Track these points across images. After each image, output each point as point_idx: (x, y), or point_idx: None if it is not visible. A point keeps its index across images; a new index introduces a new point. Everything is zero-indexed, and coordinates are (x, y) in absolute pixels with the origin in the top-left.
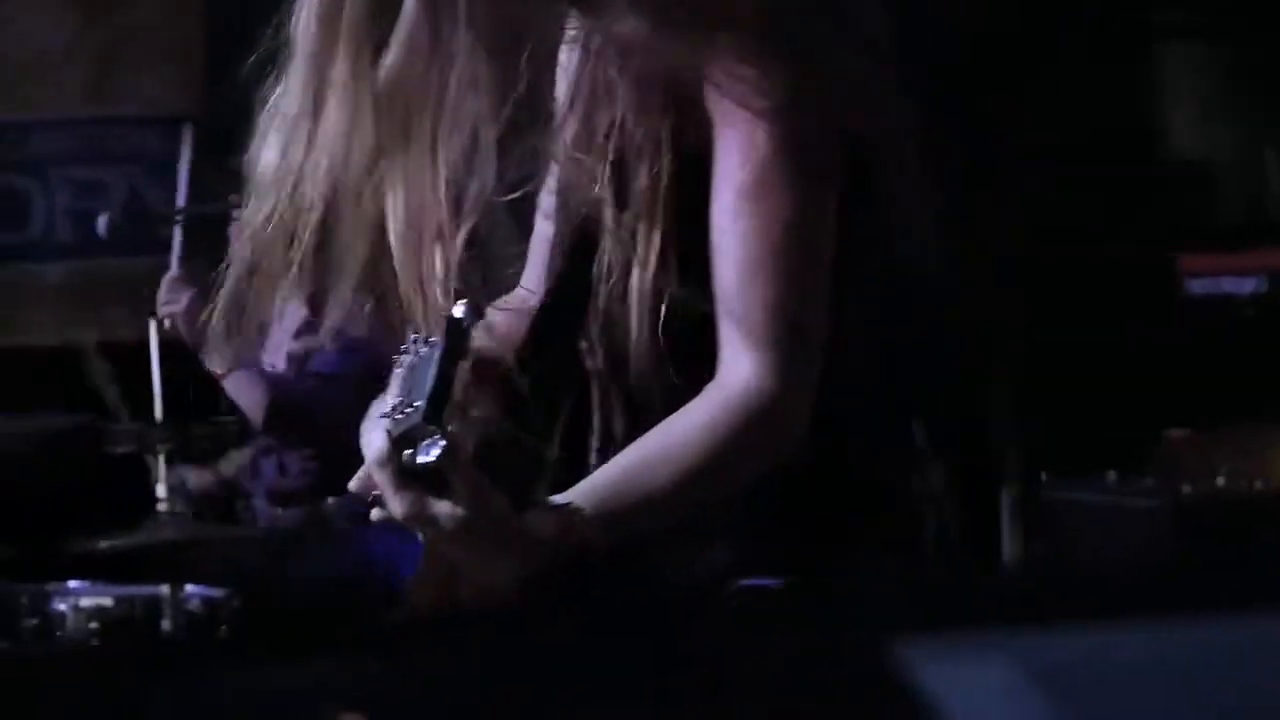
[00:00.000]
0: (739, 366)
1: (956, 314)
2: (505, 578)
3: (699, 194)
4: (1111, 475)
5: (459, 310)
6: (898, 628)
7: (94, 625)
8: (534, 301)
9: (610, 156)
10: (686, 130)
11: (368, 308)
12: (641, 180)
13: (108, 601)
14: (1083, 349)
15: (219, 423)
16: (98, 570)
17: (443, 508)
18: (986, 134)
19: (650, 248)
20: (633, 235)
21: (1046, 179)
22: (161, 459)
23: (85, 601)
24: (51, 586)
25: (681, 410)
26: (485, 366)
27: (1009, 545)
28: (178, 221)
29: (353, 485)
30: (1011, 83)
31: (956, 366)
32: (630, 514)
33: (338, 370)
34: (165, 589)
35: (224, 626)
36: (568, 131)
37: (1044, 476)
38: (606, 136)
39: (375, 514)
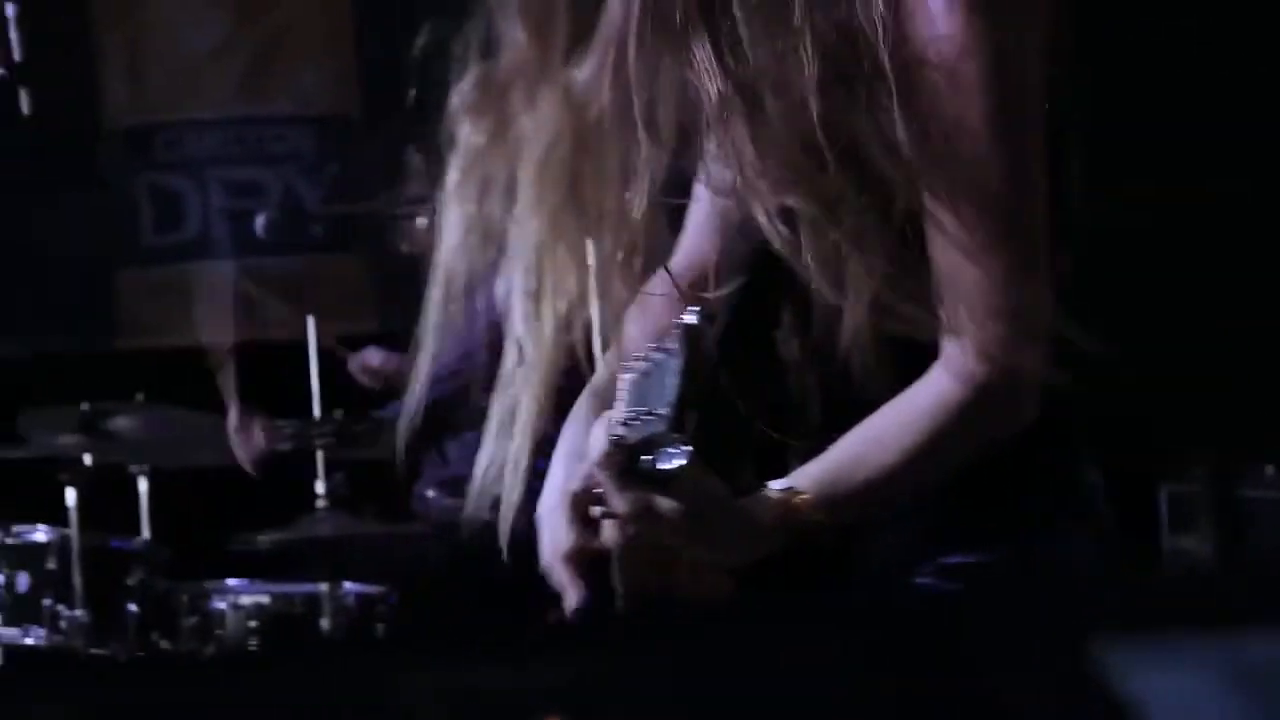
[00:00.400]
0: (964, 347)
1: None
2: (729, 563)
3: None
4: (1270, 470)
5: (691, 318)
6: (1095, 624)
7: (252, 623)
8: (691, 284)
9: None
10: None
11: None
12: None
13: (266, 599)
14: (1241, 340)
15: (376, 418)
16: (256, 568)
17: (668, 504)
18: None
19: (860, 239)
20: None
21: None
22: (320, 455)
23: (244, 599)
24: (210, 585)
25: (907, 392)
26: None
27: (1166, 542)
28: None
29: (574, 485)
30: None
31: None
32: (855, 497)
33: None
34: (323, 586)
35: (381, 623)
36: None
37: (1199, 472)
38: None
39: (594, 511)
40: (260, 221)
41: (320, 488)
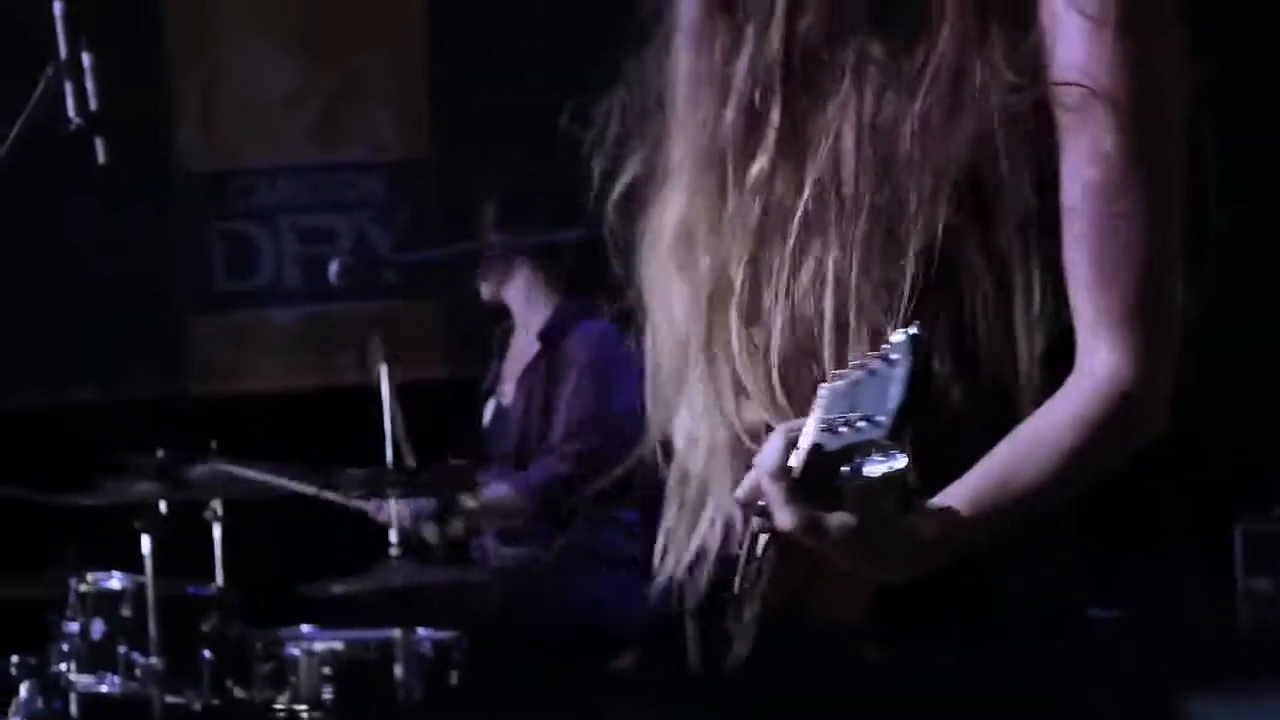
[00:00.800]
0: (1102, 357)
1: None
2: (885, 580)
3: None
4: None
5: (915, 329)
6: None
7: (326, 670)
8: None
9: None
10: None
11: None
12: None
13: (339, 645)
14: None
15: (449, 466)
16: (330, 614)
17: (836, 518)
18: None
19: (1026, 270)
20: (1002, 260)
21: None
22: (393, 503)
23: (318, 646)
24: (284, 631)
25: (1047, 405)
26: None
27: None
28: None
29: (739, 494)
30: None
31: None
32: (1006, 512)
33: None
34: (397, 632)
35: (454, 670)
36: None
37: (1273, 511)
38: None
39: (756, 524)
40: (333, 268)
41: (393, 535)
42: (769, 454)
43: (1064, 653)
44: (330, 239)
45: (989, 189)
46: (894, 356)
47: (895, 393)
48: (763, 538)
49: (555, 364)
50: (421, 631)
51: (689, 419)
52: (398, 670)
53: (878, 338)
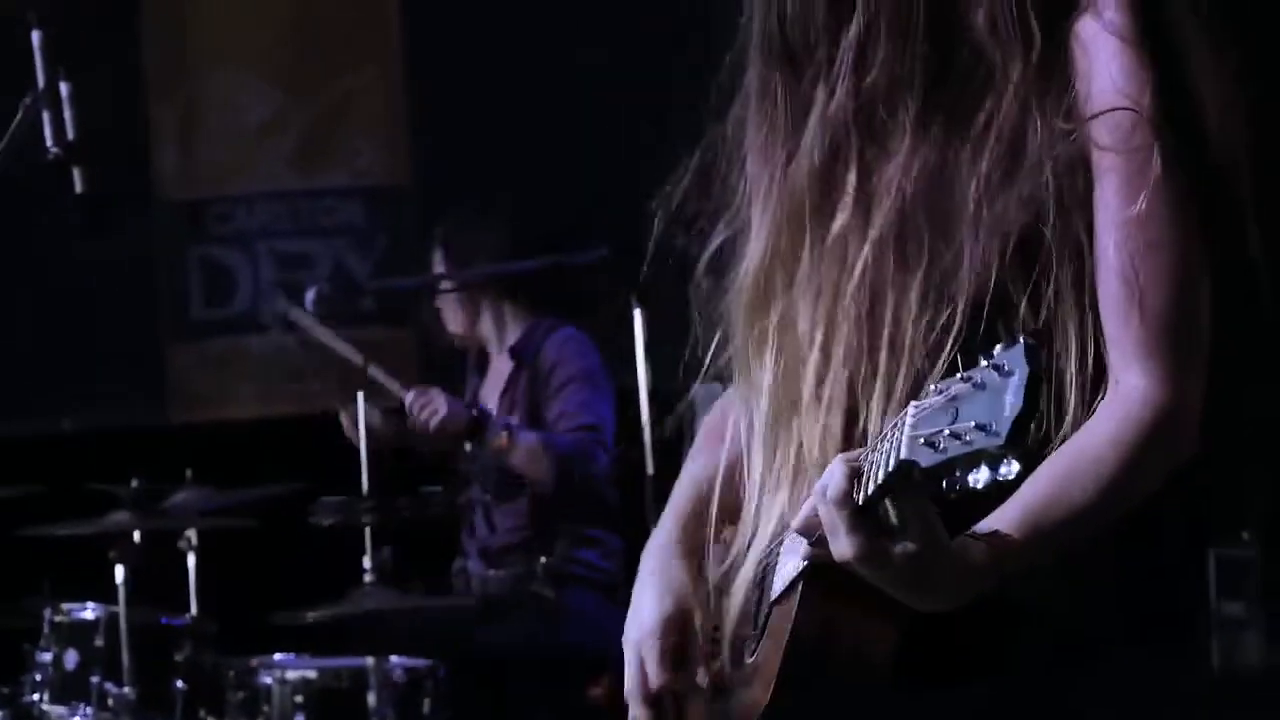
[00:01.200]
0: (1134, 379)
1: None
2: (934, 608)
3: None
4: None
5: (1028, 338)
6: None
7: (299, 698)
8: None
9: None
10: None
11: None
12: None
13: (312, 674)
14: None
15: (424, 495)
16: (303, 642)
17: (899, 545)
18: None
19: (1076, 322)
20: (1051, 311)
21: None
22: (368, 531)
23: (291, 674)
24: (257, 660)
25: (1084, 429)
26: None
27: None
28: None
29: (796, 525)
30: None
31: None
32: (1049, 538)
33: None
34: (370, 660)
35: (429, 698)
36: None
37: (1245, 535)
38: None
39: (806, 551)
40: (309, 296)
41: (367, 562)
42: (832, 482)
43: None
44: (308, 265)
45: (1040, 243)
46: (1007, 366)
47: (1011, 401)
48: (790, 573)
49: (535, 372)
50: (394, 659)
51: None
52: (370, 698)
53: (919, 385)
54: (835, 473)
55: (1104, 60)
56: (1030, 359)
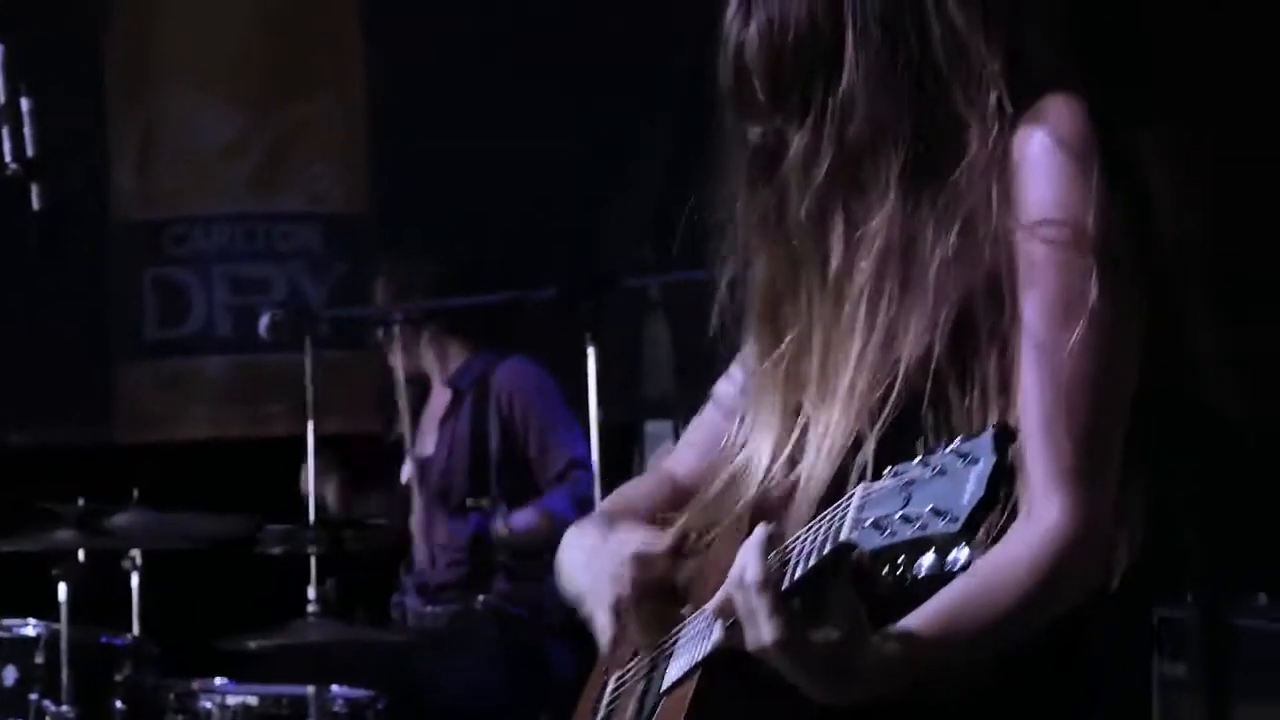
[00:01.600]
0: (1053, 510)
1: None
2: (841, 702)
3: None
4: (1262, 598)
5: (998, 427)
6: None
7: None
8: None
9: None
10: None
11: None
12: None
13: (253, 700)
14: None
15: (370, 525)
16: (245, 669)
17: (820, 634)
18: None
19: (983, 410)
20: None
21: None
22: (313, 559)
23: (231, 700)
24: (198, 683)
25: (1001, 546)
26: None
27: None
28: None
29: (711, 605)
30: None
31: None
32: (963, 646)
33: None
34: (310, 689)
35: None
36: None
37: (1189, 597)
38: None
39: (718, 634)
40: (263, 322)
41: (311, 592)
42: (751, 564)
43: None
44: (263, 289)
45: (975, 329)
46: (972, 454)
47: (973, 489)
48: (685, 663)
49: (476, 406)
50: (335, 689)
51: None
52: None
53: (859, 445)
54: (753, 556)
55: (1049, 174)
56: (997, 448)
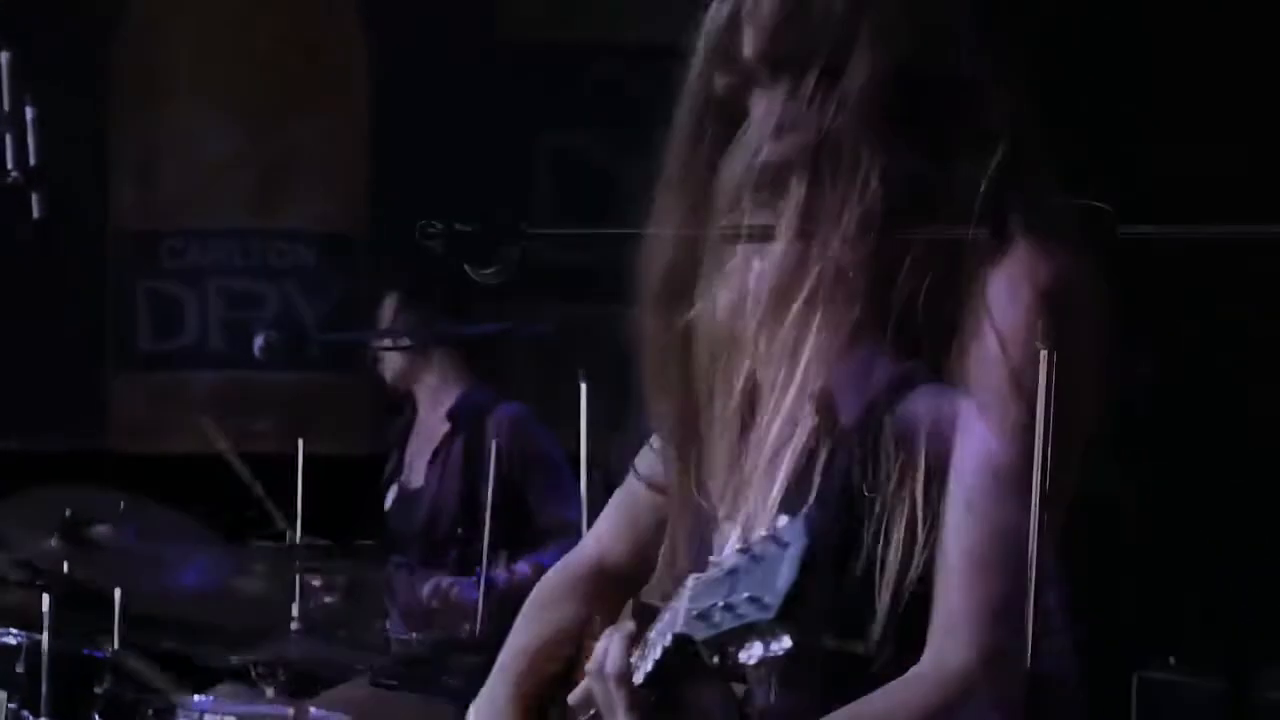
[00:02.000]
0: (957, 652)
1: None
2: None
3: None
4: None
5: (807, 511)
6: None
7: None
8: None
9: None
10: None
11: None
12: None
13: (232, 717)
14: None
15: (357, 545)
16: (225, 683)
17: None
18: None
19: (908, 531)
20: (883, 518)
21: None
22: (298, 577)
23: (209, 717)
24: (177, 699)
25: (896, 685)
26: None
27: None
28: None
29: (572, 699)
30: None
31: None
32: None
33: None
34: (289, 709)
35: None
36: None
37: (1172, 660)
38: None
39: None
40: (257, 343)
41: (295, 610)
42: (610, 657)
43: None
44: (257, 305)
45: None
46: (785, 538)
47: (786, 574)
48: None
49: (472, 444)
50: (314, 710)
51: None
52: None
53: (784, 501)
54: (613, 647)
55: (1007, 325)
56: (808, 531)
